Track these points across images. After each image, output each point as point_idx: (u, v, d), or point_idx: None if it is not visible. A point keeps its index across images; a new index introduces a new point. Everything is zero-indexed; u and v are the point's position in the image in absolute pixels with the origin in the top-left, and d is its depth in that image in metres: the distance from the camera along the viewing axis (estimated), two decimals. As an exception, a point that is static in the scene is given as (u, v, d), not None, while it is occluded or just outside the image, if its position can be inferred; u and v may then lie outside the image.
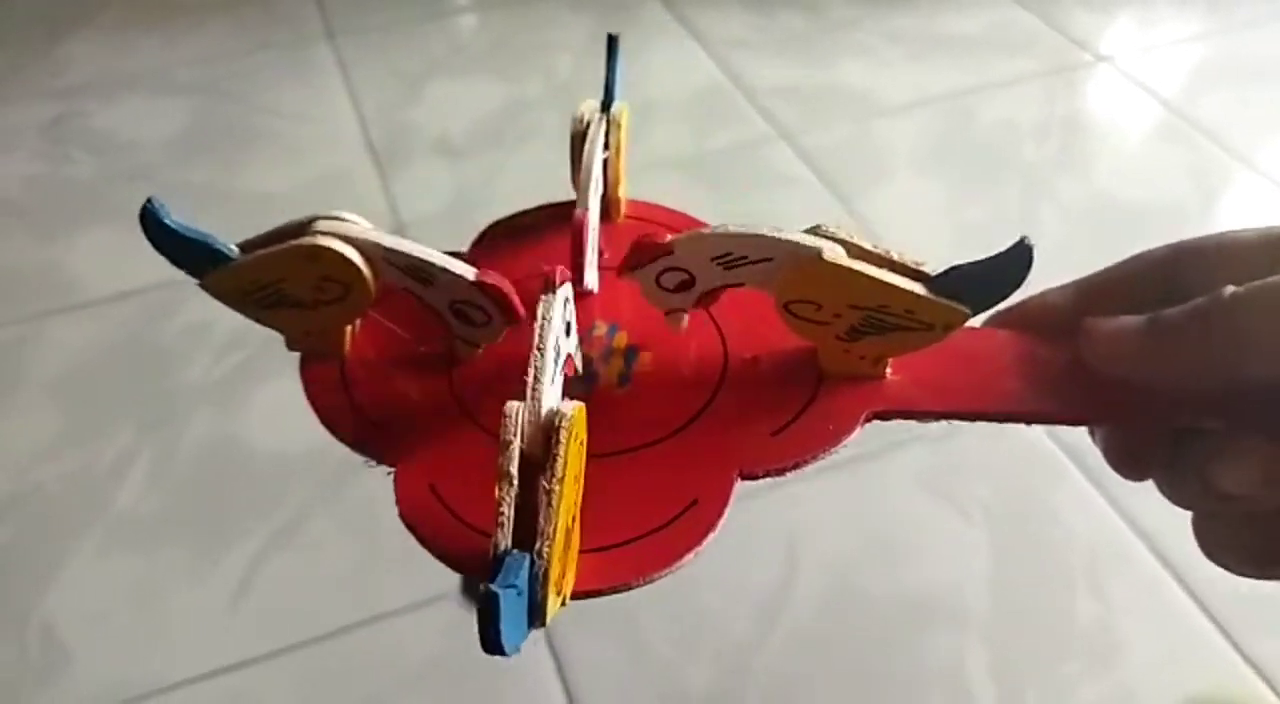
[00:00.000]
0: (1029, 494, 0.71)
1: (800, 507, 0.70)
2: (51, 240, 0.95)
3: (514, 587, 0.18)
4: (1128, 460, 0.26)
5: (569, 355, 0.24)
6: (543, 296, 0.22)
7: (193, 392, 0.80)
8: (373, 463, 0.24)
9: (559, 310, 0.22)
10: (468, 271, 0.24)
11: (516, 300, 0.24)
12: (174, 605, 0.67)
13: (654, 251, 0.24)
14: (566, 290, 0.23)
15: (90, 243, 0.94)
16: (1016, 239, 0.23)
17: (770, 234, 0.23)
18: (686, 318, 0.26)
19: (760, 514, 0.69)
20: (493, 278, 0.24)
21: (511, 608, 0.18)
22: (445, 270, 0.24)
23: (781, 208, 0.94)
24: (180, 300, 0.86)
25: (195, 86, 1.14)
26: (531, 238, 0.31)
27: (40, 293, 0.89)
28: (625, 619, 0.65)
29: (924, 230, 0.92)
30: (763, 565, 0.67)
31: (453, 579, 0.66)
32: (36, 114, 1.11)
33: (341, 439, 0.25)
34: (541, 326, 0.21)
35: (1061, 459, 0.72)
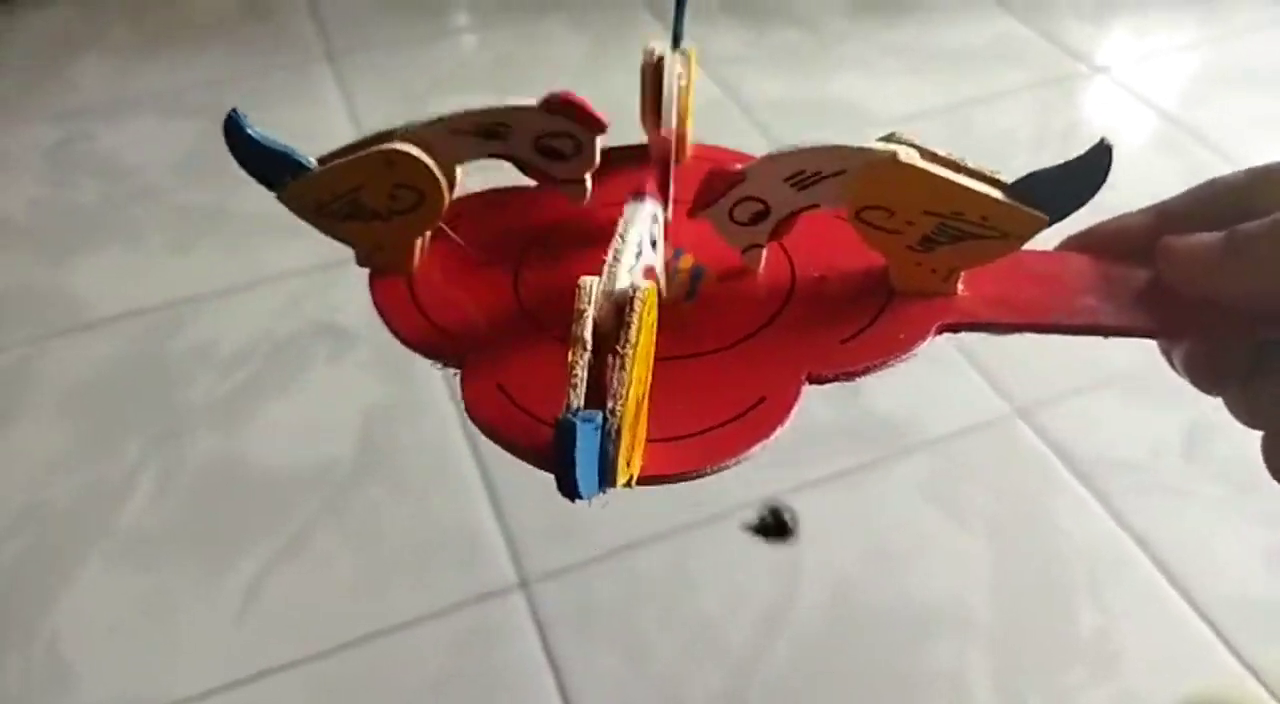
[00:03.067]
0: (1029, 503, 0.72)
1: (802, 516, 0.70)
2: (58, 261, 0.96)
3: (591, 422, 0.18)
4: (1206, 374, 0.26)
5: (650, 267, 0.24)
6: (629, 201, 0.22)
7: (198, 408, 0.80)
8: (439, 365, 0.25)
9: (647, 212, 0.22)
10: (531, 100, 0.24)
11: (590, 106, 0.24)
12: (180, 620, 0.67)
13: (727, 180, 0.24)
14: (655, 206, 0.23)
15: (96, 264, 0.95)
16: (1096, 141, 0.23)
17: (842, 144, 0.23)
18: (764, 253, 0.26)
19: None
20: (559, 94, 0.24)
21: (587, 446, 0.18)
22: (512, 108, 0.24)
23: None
24: (185, 319, 0.87)
25: (199, 109, 1.16)
26: (604, 175, 0.30)
27: (47, 313, 0.90)
28: (626, 629, 0.65)
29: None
30: (764, 574, 0.68)
31: (461, 592, 0.66)
32: (42, 136, 1.12)
33: (411, 346, 0.25)
34: (625, 222, 0.22)
35: (1060, 469, 0.73)
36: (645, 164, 0.30)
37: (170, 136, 1.11)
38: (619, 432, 0.19)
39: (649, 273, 0.24)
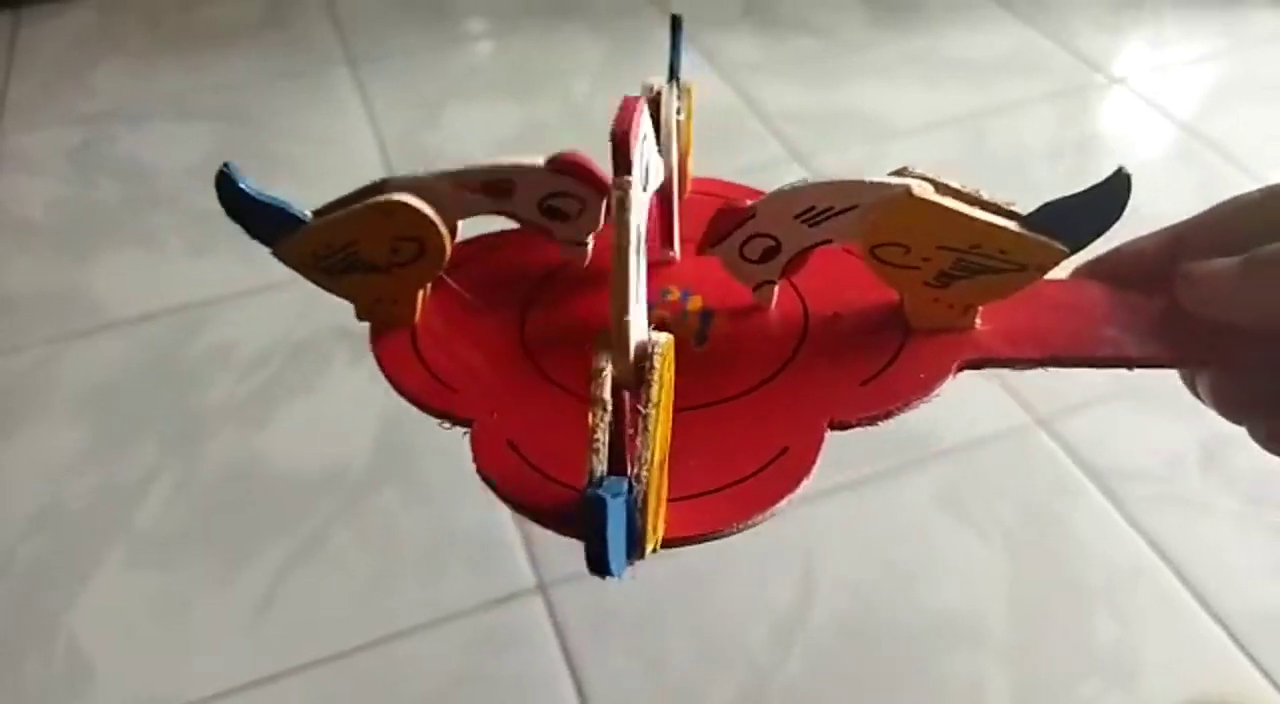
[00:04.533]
0: (1046, 513, 0.71)
1: (818, 527, 0.70)
2: (77, 263, 0.97)
3: (620, 496, 0.18)
4: (1230, 403, 0.25)
5: (659, 312, 0.23)
6: (614, 184, 0.21)
7: (215, 410, 0.81)
8: (447, 425, 0.24)
9: (636, 200, 0.21)
10: (539, 160, 0.24)
11: (597, 166, 0.24)
12: (197, 621, 0.67)
13: (736, 218, 0.23)
14: (645, 130, 0.22)
15: (115, 265, 0.96)
16: (1114, 168, 0.22)
17: (854, 179, 0.22)
18: (776, 290, 0.25)
19: (777, 534, 0.69)
20: (565, 156, 0.24)
21: (617, 522, 0.18)
22: (518, 167, 0.24)
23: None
24: (203, 321, 0.88)
25: (219, 113, 1.16)
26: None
27: (66, 314, 0.91)
28: (644, 637, 0.65)
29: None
30: (780, 585, 0.67)
31: (478, 595, 0.66)
32: (64, 139, 1.13)
33: (417, 405, 0.25)
34: (619, 227, 0.21)
35: (1079, 477, 0.72)
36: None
37: (189, 139, 1.12)
38: (646, 499, 0.18)
39: (656, 316, 0.23)
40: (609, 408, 0.19)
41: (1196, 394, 0.26)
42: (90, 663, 0.65)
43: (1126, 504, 0.70)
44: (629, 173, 0.21)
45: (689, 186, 0.31)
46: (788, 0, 1.30)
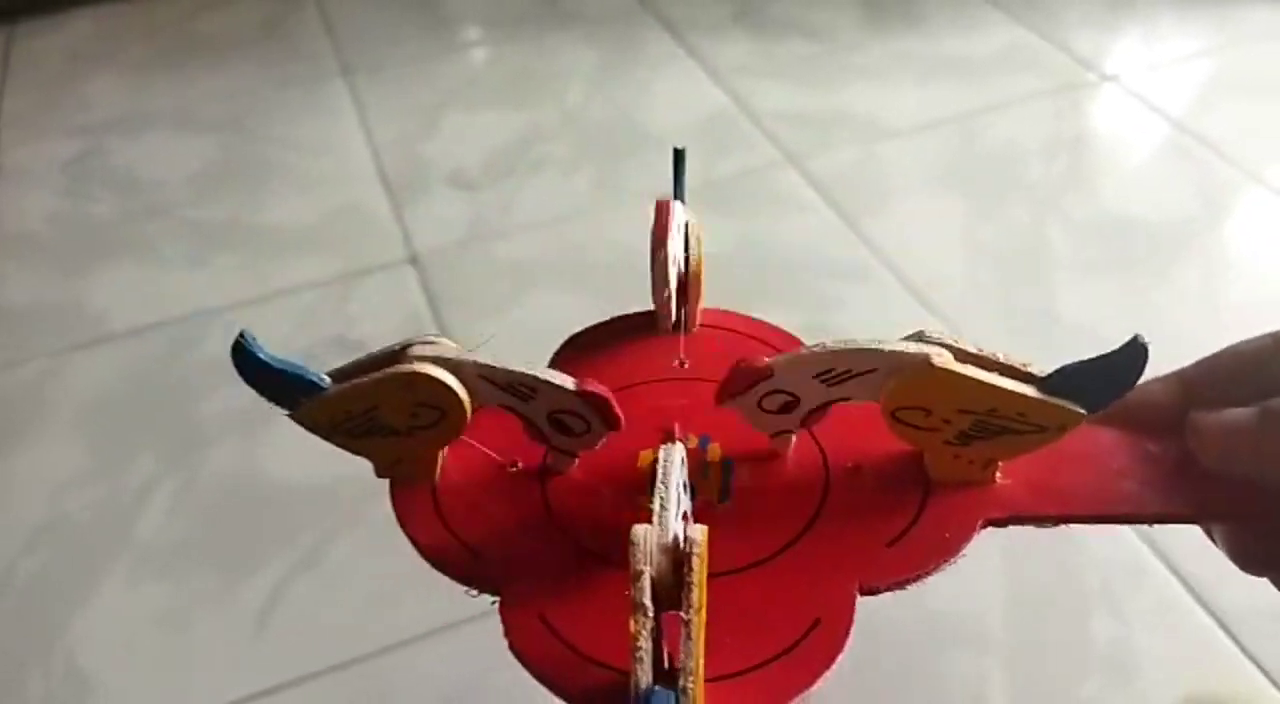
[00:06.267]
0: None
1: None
2: (75, 275, 0.97)
3: None
4: (1251, 559, 0.25)
5: (686, 512, 0.23)
6: (664, 445, 0.22)
7: (215, 422, 0.81)
8: (474, 593, 0.24)
9: (678, 456, 0.22)
10: (568, 381, 0.24)
11: (617, 408, 0.24)
12: (198, 633, 0.68)
13: (754, 376, 0.23)
14: (683, 451, 0.22)
15: (113, 277, 0.96)
16: (1130, 337, 0.22)
17: (873, 346, 0.23)
18: (794, 439, 0.25)
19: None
20: (594, 386, 0.24)
21: None
22: (547, 382, 0.24)
23: (790, 232, 0.95)
24: (201, 333, 0.88)
25: (215, 123, 1.17)
26: (611, 350, 0.30)
27: (64, 327, 0.91)
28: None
29: (933, 252, 0.92)
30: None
31: (477, 605, 0.66)
32: (60, 151, 1.13)
33: (448, 574, 0.24)
34: (664, 466, 0.21)
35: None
36: (652, 335, 0.29)
37: (186, 151, 1.12)
38: None
39: (686, 519, 0.23)
40: (650, 614, 0.19)
41: (1213, 541, 0.26)
42: (91, 676, 0.65)
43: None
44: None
45: (698, 318, 0.30)
46: (780, 1, 1.31)
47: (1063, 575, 0.68)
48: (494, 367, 0.24)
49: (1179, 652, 0.63)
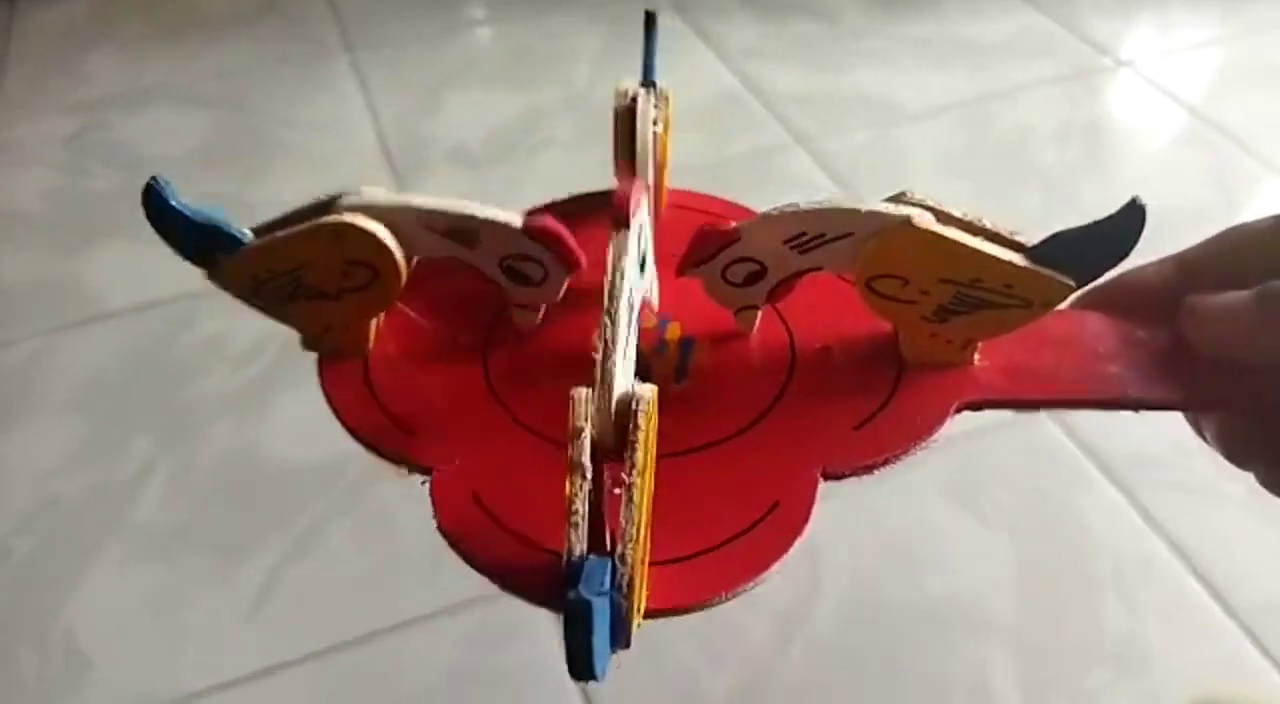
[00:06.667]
0: (1053, 500, 0.70)
1: (822, 514, 0.69)
2: (71, 253, 0.96)
3: (605, 593, 0.16)
4: (1239, 449, 0.24)
5: (645, 300, 0.21)
6: (612, 237, 0.19)
7: (211, 402, 0.80)
8: (405, 471, 0.22)
9: (632, 257, 0.19)
10: (515, 219, 0.22)
11: (572, 242, 0.22)
12: (194, 615, 0.67)
13: (720, 240, 0.22)
14: (641, 217, 0.20)
15: (109, 256, 0.95)
16: (1128, 199, 0.20)
17: (849, 205, 0.21)
18: (759, 315, 0.23)
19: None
20: (544, 221, 0.21)
21: (602, 620, 0.16)
22: (490, 221, 0.22)
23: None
24: (198, 312, 0.87)
25: (215, 100, 1.15)
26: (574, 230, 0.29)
27: (60, 306, 0.90)
28: (646, 626, 0.64)
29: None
30: (784, 573, 0.66)
31: (475, 587, 0.65)
32: (57, 127, 1.12)
33: (371, 448, 0.22)
34: (612, 281, 0.19)
35: (1086, 464, 0.71)
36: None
37: (185, 128, 1.11)
38: (632, 582, 0.17)
39: (644, 308, 0.21)
40: (588, 476, 0.17)
41: (1201, 434, 0.25)
42: (87, 657, 0.65)
43: (1135, 492, 0.69)
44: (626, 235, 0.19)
45: (665, 200, 0.28)
46: (790, -16, 1.29)
47: (1071, 563, 0.67)
48: (433, 210, 0.21)
49: (1188, 641, 0.63)
